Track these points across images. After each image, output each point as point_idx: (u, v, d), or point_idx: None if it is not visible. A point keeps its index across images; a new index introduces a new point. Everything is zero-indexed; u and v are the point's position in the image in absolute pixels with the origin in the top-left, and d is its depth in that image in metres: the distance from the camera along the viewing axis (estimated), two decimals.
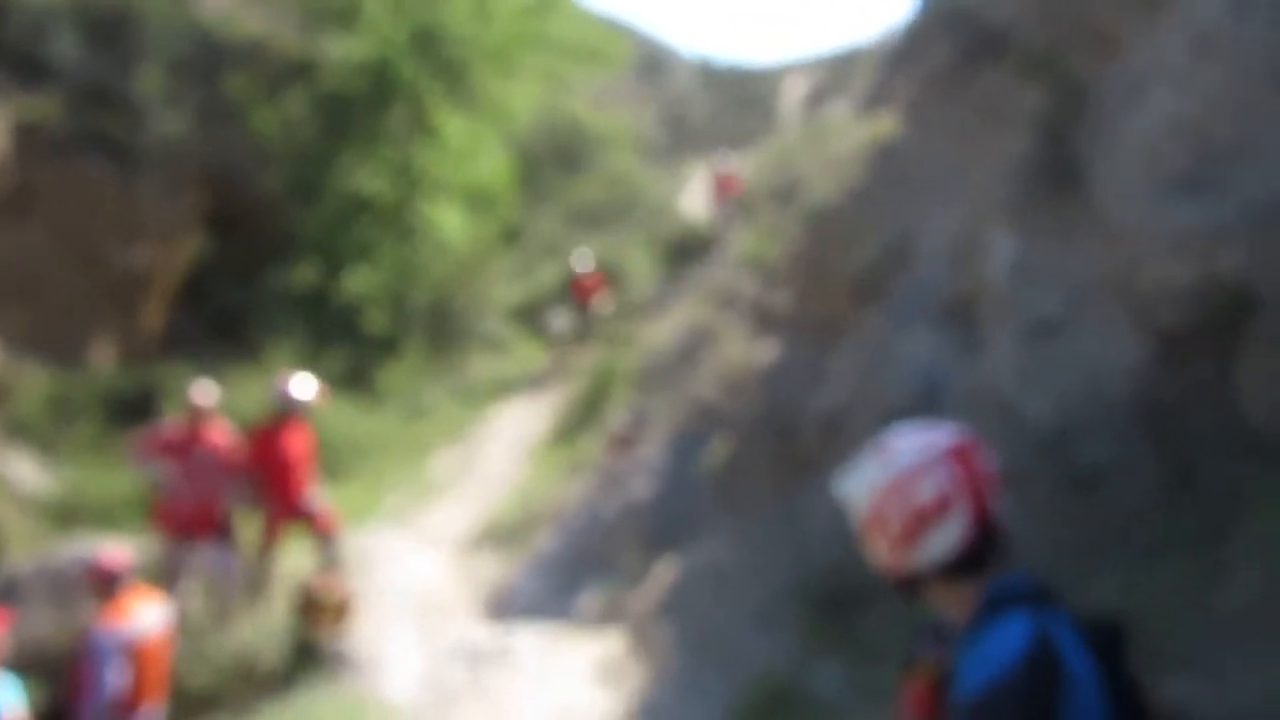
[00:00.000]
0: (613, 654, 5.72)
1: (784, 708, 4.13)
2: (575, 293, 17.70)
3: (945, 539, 2.00)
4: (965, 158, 6.00)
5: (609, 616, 6.37)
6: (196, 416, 7.59)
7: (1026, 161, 5.08)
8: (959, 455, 2.03)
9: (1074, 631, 1.93)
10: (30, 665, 7.34)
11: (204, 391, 7.80)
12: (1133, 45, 4.75)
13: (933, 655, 2.14)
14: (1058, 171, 4.83)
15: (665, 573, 6.21)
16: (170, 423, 7.77)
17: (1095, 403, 4.05)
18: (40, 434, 12.07)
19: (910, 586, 2.09)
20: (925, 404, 4.95)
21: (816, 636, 4.63)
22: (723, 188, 19.20)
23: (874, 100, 15.21)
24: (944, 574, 2.02)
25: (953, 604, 2.05)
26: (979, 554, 2.02)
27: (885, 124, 8.79)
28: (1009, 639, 1.88)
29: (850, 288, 6.48)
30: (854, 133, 10.55)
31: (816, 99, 35.31)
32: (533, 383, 16.55)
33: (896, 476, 2.04)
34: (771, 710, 4.15)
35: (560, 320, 16.88)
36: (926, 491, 2.00)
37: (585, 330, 17.10)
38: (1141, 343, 4.18)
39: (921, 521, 2.00)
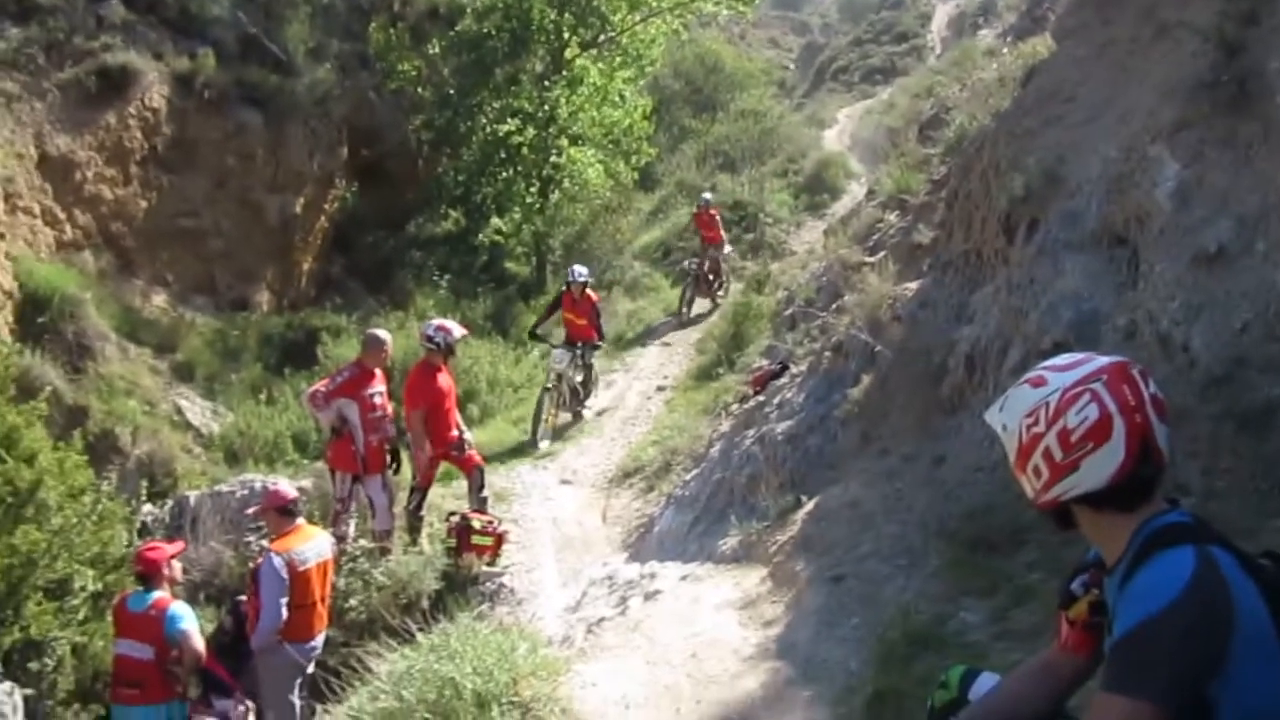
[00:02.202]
0: (753, 591, 5.76)
1: (926, 647, 4.07)
2: (699, 229, 17.34)
3: (1104, 464, 1.89)
4: (1123, 77, 5.64)
5: (748, 554, 6.40)
6: (367, 360, 7.94)
7: (1193, 77, 4.73)
8: (1121, 376, 1.92)
9: (1241, 568, 1.81)
10: (203, 592, 7.96)
11: (377, 338, 8.14)
12: None
13: (1089, 591, 2.08)
14: (1230, 87, 4.48)
15: (805, 511, 6.18)
16: (344, 368, 8.16)
17: (1268, 336, 3.78)
18: (207, 376, 12.90)
19: (1064, 518, 2.02)
20: (1079, 338, 4.73)
21: (960, 577, 4.54)
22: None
23: (1023, 26, 14.46)
24: (1102, 503, 1.94)
25: (1109, 537, 1.96)
26: (1139, 483, 1.92)
27: (1036, 47, 8.34)
28: (1171, 571, 1.79)
29: (999, 219, 6.22)
30: (1003, 58, 10.05)
31: (963, 28, 33.75)
32: (670, 322, 16.63)
33: (1054, 397, 1.94)
34: (913, 649, 4.10)
35: (687, 263, 16.60)
36: (1086, 412, 1.90)
37: (709, 268, 16.63)
38: None
39: (1080, 444, 1.90)
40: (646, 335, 16.40)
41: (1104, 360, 1.97)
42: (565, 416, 12.37)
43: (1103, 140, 5.44)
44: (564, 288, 12.61)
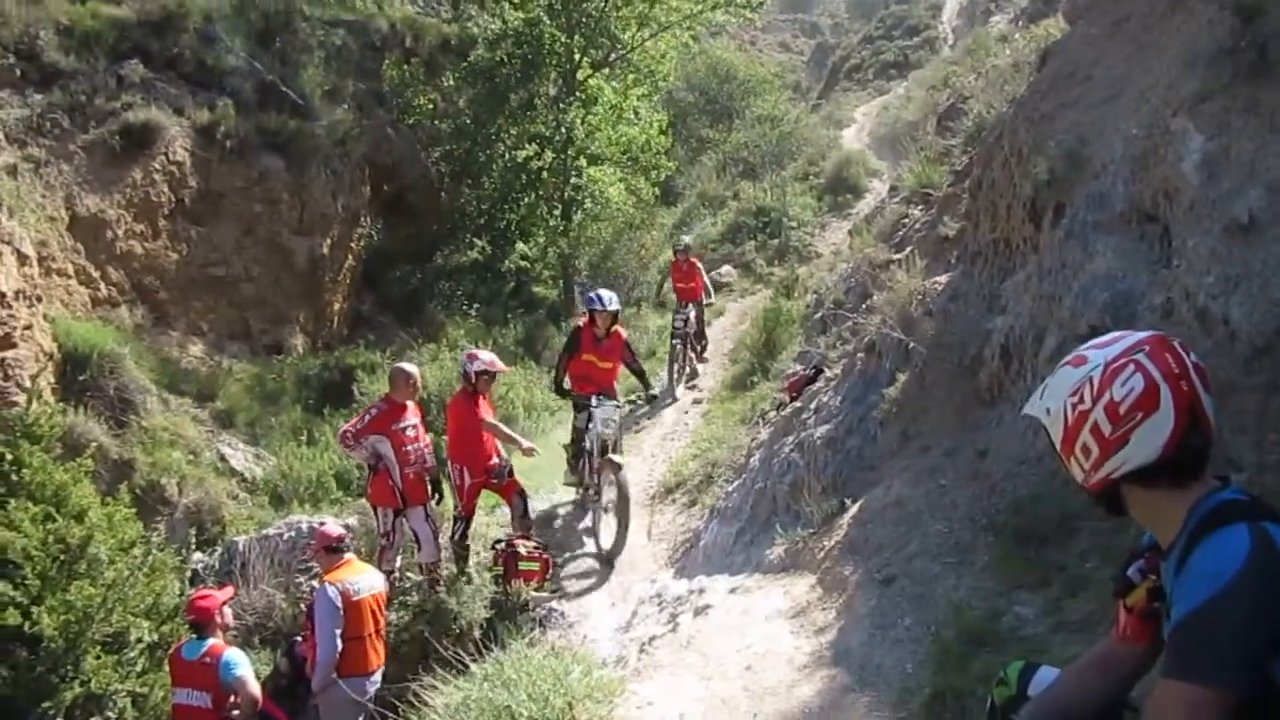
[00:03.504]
0: (803, 599, 5.70)
1: (982, 644, 4.01)
2: (675, 282, 14.69)
3: (1154, 434, 1.87)
4: (1142, 52, 5.56)
5: (796, 562, 6.35)
6: (396, 394, 8.00)
7: (1212, 46, 4.66)
8: (1163, 346, 1.91)
9: None
10: (257, 636, 8.02)
11: (403, 371, 8.20)
12: None
13: (1145, 577, 2.05)
14: (1250, 53, 4.40)
15: (850, 514, 6.12)
16: (373, 405, 8.22)
17: None
18: (247, 421, 13.07)
19: (1115, 502, 2.00)
20: (1115, 319, 4.65)
21: (1011, 570, 4.46)
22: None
23: (1035, 9, 14.33)
24: (1153, 479, 1.91)
25: (1162, 518, 1.94)
26: (1190, 454, 1.89)
27: (1048, 29, 8.27)
28: (1227, 551, 1.76)
29: (1024, 205, 6.15)
30: (1016, 43, 9.97)
31: (974, 15, 33.54)
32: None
33: (1098, 372, 1.92)
34: (969, 647, 4.04)
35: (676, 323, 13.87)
36: (1132, 383, 1.88)
37: (695, 330, 14.12)
38: None
39: (1128, 415, 1.88)
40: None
41: (1143, 334, 1.96)
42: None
43: (1124, 118, 5.36)
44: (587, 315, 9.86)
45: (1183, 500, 1.90)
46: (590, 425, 9.03)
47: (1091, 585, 3.98)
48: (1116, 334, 2.00)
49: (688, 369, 13.95)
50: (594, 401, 9.03)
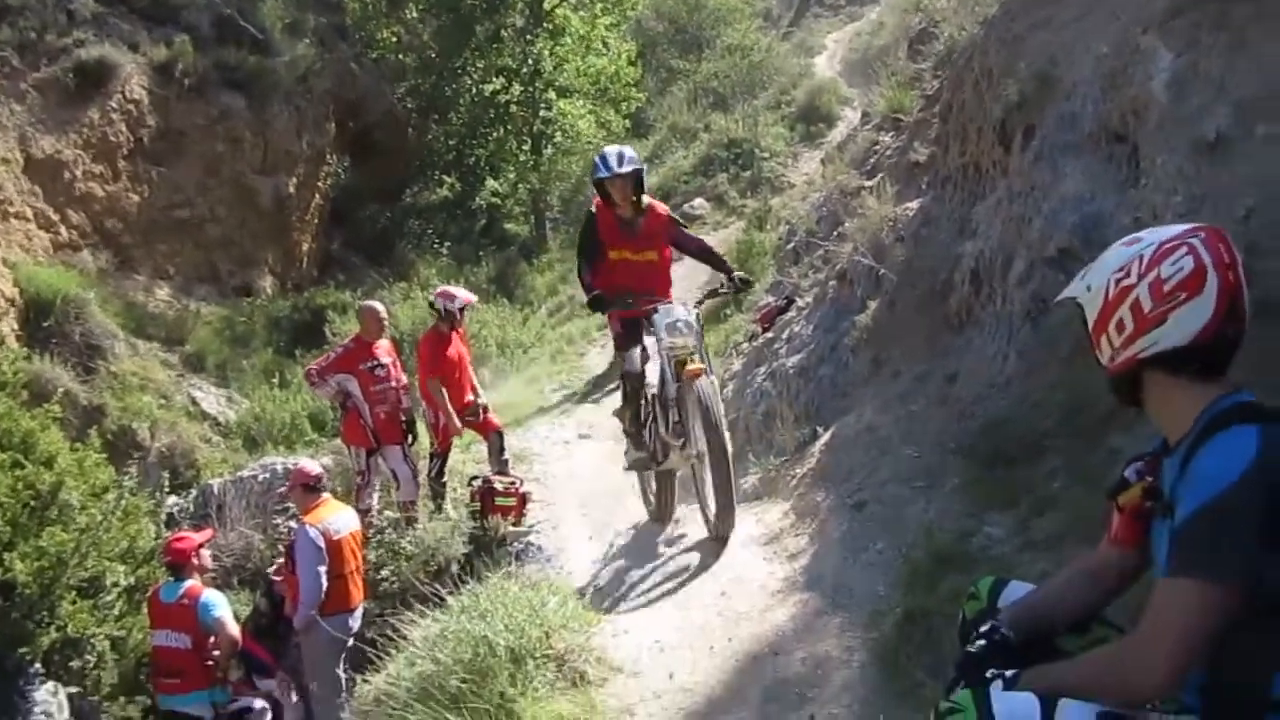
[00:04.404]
0: (776, 526, 5.76)
1: (951, 565, 4.06)
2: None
3: (1193, 318, 1.86)
4: None
5: (769, 490, 6.40)
6: (364, 333, 7.94)
7: None
8: (1218, 236, 1.90)
9: None
10: (236, 577, 8.04)
11: (371, 309, 8.13)
12: None
13: (1142, 478, 2.06)
14: None
15: (822, 442, 6.16)
16: (341, 343, 8.15)
17: (1274, 221, 3.69)
18: (218, 364, 12.95)
19: (1132, 386, 2.00)
20: (1085, 242, 4.65)
21: (980, 492, 4.51)
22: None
23: None
24: (1180, 366, 1.91)
25: (1177, 411, 1.93)
26: (1222, 344, 1.89)
27: None
28: (1236, 450, 1.76)
29: (994, 129, 6.10)
30: None
31: None
32: None
33: (1149, 250, 1.91)
34: (939, 568, 4.09)
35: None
36: (1182, 263, 1.87)
37: None
38: None
39: (1172, 294, 1.87)
40: None
41: (1200, 225, 1.96)
42: None
43: (1094, 37, 5.30)
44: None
45: (1201, 396, 1.90)
46: (649, 354, 5.97)
47: (1059, 504, 4.03)
48: (1187, 225, 1.99)
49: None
50: (646, 322, 5.92)
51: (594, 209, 6.19)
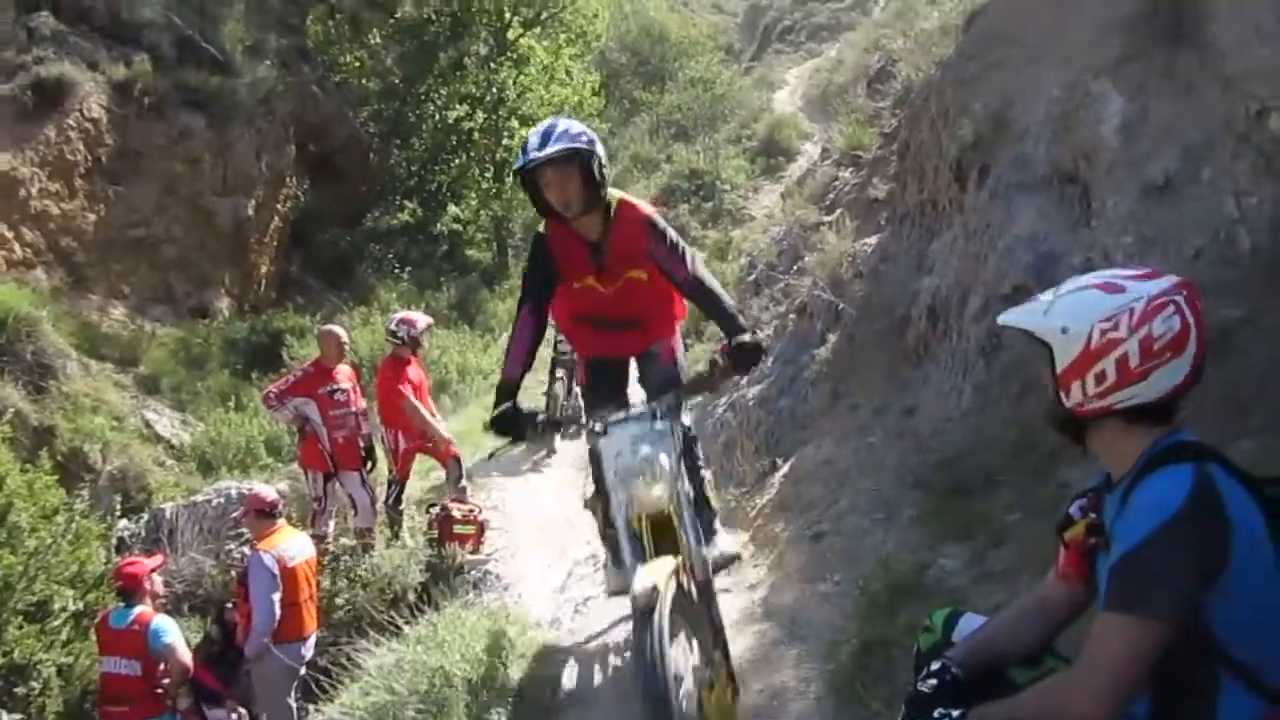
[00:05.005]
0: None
1: (908, 596, 4.11)
2: None
3: (1172, 376, 1.92)
4: (1065, 15, 5.66)
5: (729, 520, 6.43)
6: (325, 358, 7.90)
7: (1131, 11, 4.77)
8: (1195, 292, 1.94)
9: (1240, 485, 1.85)
10: (187, 604, 7.90)
11: (331, 334, 8.08)
12: None
13: (1086, 515, 2.12)
14: (1167, 17, 4.52)
15: (782, 473, 6.22)
16: (299, 367, 8.09)
17: (1220, 261, 3.83)
18: (173, 386, 12.76)
19: (1081, 428, 2.04)
20: (1038, 280, 4.77)
21: (937, 525, 4.58)
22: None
23: None
24: (1143, 416, 1.96)
25: (1124, 453, 1.98)
26: (1177, 402, 1.96)
27: None
28: (1171, 488, 1.82)
29: (951, 167, 6.25)
30: (944, 6, 10.07)
31: None
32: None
33: (1140, 304, 1.92)
34: (896, 599, 4.14)
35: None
36: (1170, 323, 1.91)
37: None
38: (1271, 193, 3.92)
39: (1159, 353, 1.90)
40: None
41: (1173, 276, 1.99)
42: None
43: (1047, 80, 5.47)
44: None
45: (1146, 436, 1.95)
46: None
47: (1013, 536, 4.10)
48: (1145, 269, 2.03)
49: (569, 410, 9.49)
50: (596, 424, 3.68)
51: (542, 229, 4.00)
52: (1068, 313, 1.98)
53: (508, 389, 3.67)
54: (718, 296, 3.76)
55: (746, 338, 3.51)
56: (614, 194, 3.87)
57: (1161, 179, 4.20)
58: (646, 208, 4.01)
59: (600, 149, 3.71)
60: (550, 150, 3.58)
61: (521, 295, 4.02)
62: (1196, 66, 4.33)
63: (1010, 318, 2.10)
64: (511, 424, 3.59)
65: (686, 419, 4.24)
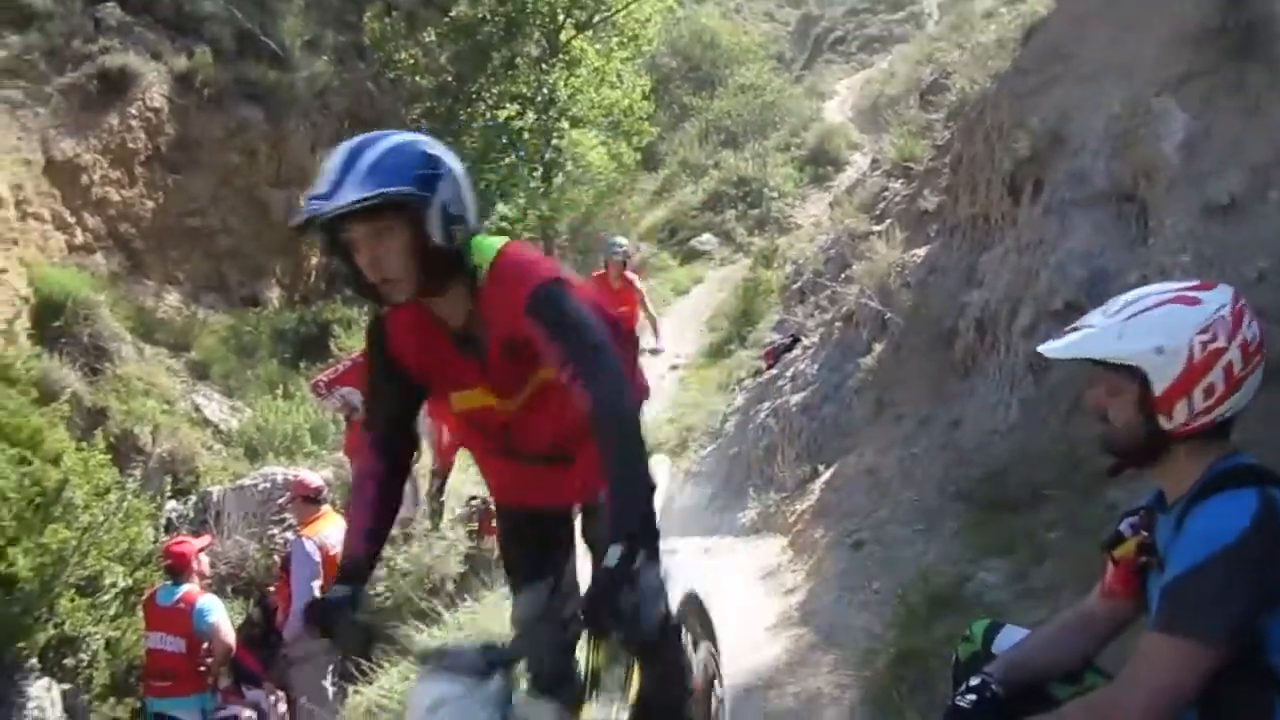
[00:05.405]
0: (773, 561, 5.81)
1: (947, 608, 4.11)
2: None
3: (1254, 384, 1.89)
4: (1127, 31, 5.62)
5: (768, 525, 6.45)
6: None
7: (1198, 26, 4.72)
8: (1246, 305, 1.91)
9: None
10: (230, 585, 8.05)
11: None
12: None
13: (1137, 532, 2.08)
14: (1236, 34, 4.47)
15: (822, 480, 6.22)
16: (347, 357, 8.21)
17: None
18: (223, 373, 12.99)
19: (1159, 454, 1.96)
20: (1090, 296, 4.73)
21: (979, 538, 4.56)
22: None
23: None
24: (1213, 435, 1.91)
25: (1187, 473, 1.94)
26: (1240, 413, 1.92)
27: (1034, 6, 8.30)
28: (1235, 512, 1.78)
29: (1004, 181, 6.22)
30: (1001, 19, 10.01)
31: None
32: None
33: (1227, 310, 1.87)
34: (934, 610, 4.13)
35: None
36: (1254, 327, 1.87)
37: None
38: None
39: (1252, 357, 1.87)
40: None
41: (1221, 283, 1.96)
42: None
43: (1107, 96, 5.42)
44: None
45: (1204, 456, 1.91)
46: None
47: (1057, 554, 4.08)
48: (1189, 279, 2.00)
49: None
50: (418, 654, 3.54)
51: (379, 316, 2.53)
52: (1155, 331, 1.89)
53: (345, 571, 2.45)
54: (615, 445, 2.06)
55: (611, 579, 1.87)
56: (488, 247, 2.37)
57: (1225, 198, 4.16)
58: (538, 266, 2.35)
59: (447, 184, 2.24)
60: (342, 200, 2.07)
61: (362, 423, 3.04)
62: (1266, 83, 4.28)
63: (1070, 350, 1.99)
64: (324, 616, 2.34)
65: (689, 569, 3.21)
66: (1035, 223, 5.60)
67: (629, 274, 8.47)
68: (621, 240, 8.82)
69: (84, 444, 7.64)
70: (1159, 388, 1.88)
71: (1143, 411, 1.91)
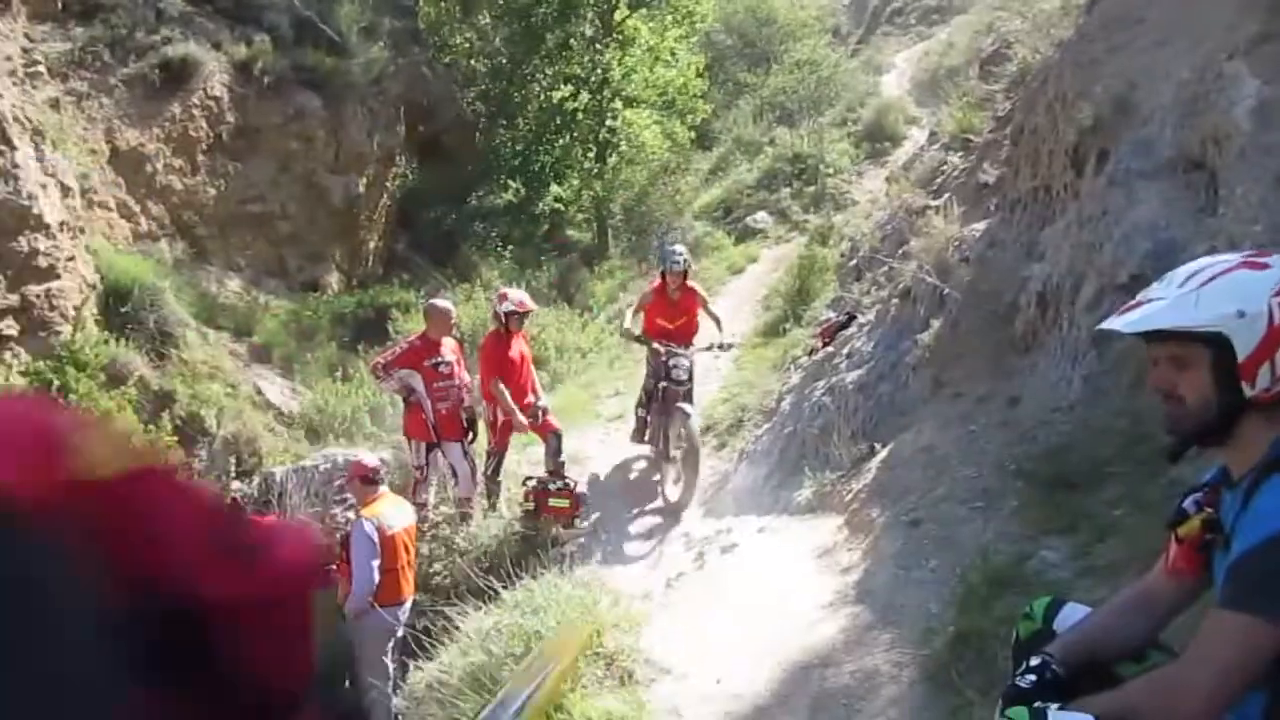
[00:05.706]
0: (829, 540, 5.76)
1: (1006, 587, 4.05)
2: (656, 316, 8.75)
3: None
4: None
5: (823, 504, 6.40)
6: (431, 331, 8.09)
7: None
8: None
9: None
10: None
11: (438, 308, 8.28)
12: None
13: (1202, 510, 2.04)
14: None
15: (879, 459, 6.15)
16: (405, 340, 8.30)
17: None
18: (284, 356, 13.24)
19: (1232, 426, 1.91)
20: (1156, 269, 4.58)
21: (1039, 516, 4.48)
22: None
23: None
24: (1277, 405, 1.86)
25: (1255, 446, 1.88)
26: None
27: None
28: None
29: (1067, 152, 6.06)
30: None
31: None
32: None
33: None
34: (993, 589, 4.08)
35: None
36: None
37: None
38: None
39: None
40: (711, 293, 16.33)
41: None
42: None
43: (1175, 62, 5.25)
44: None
45: (1269, 430, 1.86)
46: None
47: (1120, 532, 3.99)
48: (1246, 249, 1.99)
49: (680, 450, 8.22)
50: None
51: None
52: (1234, 296, 1.83)
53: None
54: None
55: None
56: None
57: None
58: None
59: None
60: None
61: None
62: None
63: (1144, 323, 1.92)
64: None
65: None
66: (1099, 194, 5.45)
67: (691, 283, 8.74)
68: (680, 249, 8.88)
69: (151, 426, 7.82)
70: (1244, 353, 1.82)
71: (1221, 381, 1.86)
